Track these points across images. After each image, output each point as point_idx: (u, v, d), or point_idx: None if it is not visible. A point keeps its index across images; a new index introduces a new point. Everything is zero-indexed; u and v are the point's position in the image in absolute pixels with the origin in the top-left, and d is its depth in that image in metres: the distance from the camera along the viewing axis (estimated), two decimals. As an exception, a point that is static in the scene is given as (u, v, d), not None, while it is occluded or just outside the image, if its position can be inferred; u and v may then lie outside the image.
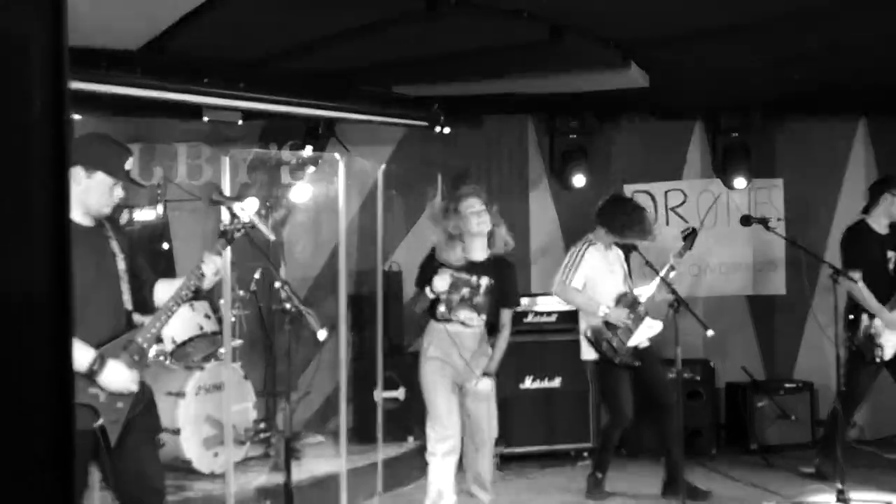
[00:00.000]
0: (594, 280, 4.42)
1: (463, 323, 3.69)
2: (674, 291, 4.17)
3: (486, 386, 3.59)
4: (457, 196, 3.91)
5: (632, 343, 4.42)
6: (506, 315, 3.74)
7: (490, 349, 3.81)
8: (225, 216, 2.97)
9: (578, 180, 6.29)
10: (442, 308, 3.68)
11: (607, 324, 4.38)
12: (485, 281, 3.74)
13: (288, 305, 3.05)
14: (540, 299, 5.66)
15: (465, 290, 3.69)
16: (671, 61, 4.57)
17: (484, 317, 3.74)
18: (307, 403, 5.88)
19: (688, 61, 4.60)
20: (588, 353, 4.48)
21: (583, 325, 4.49)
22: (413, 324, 6.22)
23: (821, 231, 6.27)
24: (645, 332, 4.51)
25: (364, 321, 5.69)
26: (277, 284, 3.04)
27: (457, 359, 3.66)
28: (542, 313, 5.68)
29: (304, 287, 5.90)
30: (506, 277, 3.81)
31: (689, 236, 4.72)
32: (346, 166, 5.08)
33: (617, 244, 4.57)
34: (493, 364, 3.67)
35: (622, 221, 4.45)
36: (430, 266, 3.77)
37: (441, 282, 3.66)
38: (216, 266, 2.68)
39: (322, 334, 2.93)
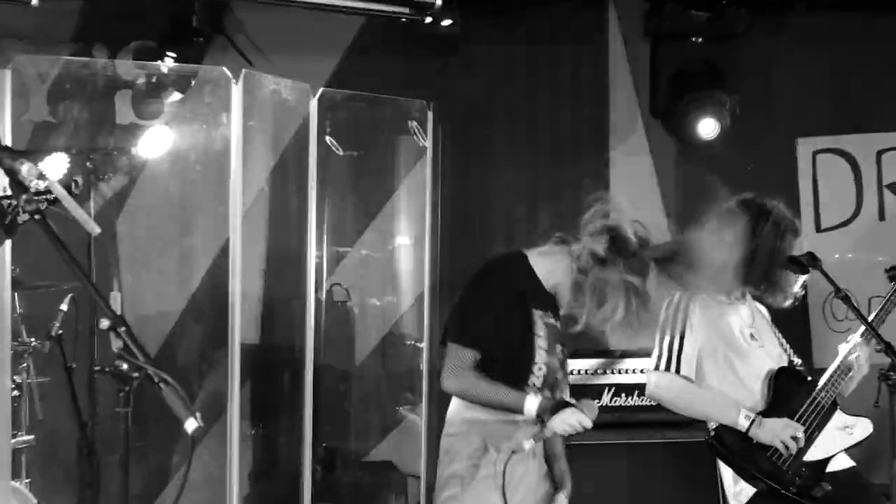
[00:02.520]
0: (718, 353, 4.44)
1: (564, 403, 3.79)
2: (890, 348, 4.21)
3: None
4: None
5: (810, 457, 4.41)
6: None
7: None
8: (3, 185, 2.93)
9: (706, 128, 6.41)
10: (537, 386, 3.76)
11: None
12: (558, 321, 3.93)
13: (125, 367, 2.96)
14: (623, 363, 5.87)
15: (560, 350, 3.84)
16: None
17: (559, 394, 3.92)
18: (162, 562, 5.93)
19: None
20: (730, 481, 4.44)
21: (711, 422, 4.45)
22: (379, 407, 6.38)
23: None
24: (838, 439, 4.48)
25: (277, 401, 5.82)
26: (105, 325, 2.96)
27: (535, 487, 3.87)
28: (629, 389, 5.81)
29: (159, 331, 6.02)
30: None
31: None
32: (245, 92, 5.12)
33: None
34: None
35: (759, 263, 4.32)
36: (518, 296, 3.77)
37: (542, 341, 3.75)
38: None
39: (192, 425, 2.83)
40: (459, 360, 3.62)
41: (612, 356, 5.94)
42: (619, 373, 5.90)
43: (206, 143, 5.69)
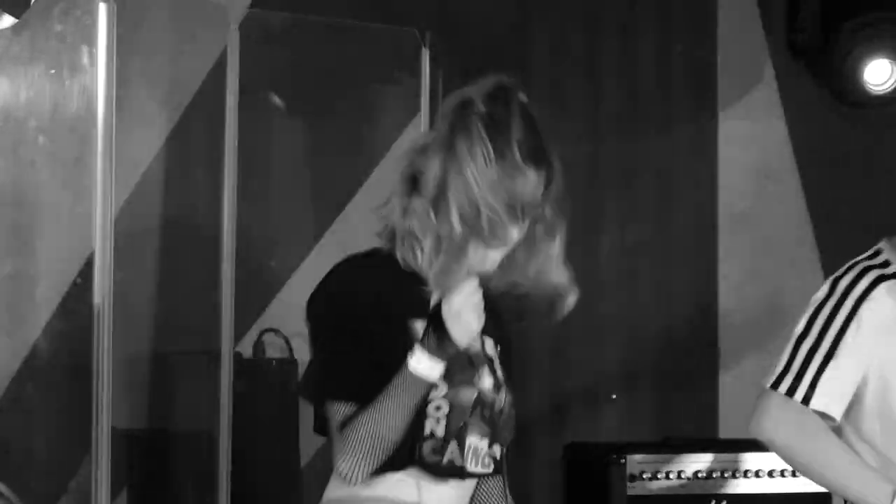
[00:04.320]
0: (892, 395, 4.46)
1: (464, 473, 3.94)
2: None
3: None
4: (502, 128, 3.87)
5: None
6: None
7: None
8: None
9: (878, 74, 6.51)
10: (436, 434, 3.85)
11: None
12: (488, 345, 4.03)
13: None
14: (741, 460, 5.97)
15: (488, 375, 3.98)
16: None
17: (501, 449, 4.03)
18: None
19: None
20: None
21: None
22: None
23: None
24: None
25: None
26: None
27: None
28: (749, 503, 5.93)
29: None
30: (505, 346, 4.10)
31: None
32: (121, 17, 5.14)
33: None
34: None
35: None
36: (385, 314, 3.86)
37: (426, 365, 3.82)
38: None
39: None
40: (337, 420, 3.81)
41: (724, 449, 5.96)
42: (735, 475, 5.98)
43: (57, 100, 5.60)
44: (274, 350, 6.07)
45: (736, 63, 6.67)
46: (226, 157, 5.56)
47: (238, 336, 5.73)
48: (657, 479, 5.83)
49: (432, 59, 6.08)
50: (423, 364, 3.72)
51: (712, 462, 5.89)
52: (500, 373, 3.97)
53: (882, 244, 4.43)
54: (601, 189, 6.48)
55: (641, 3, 6.60)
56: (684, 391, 6.53)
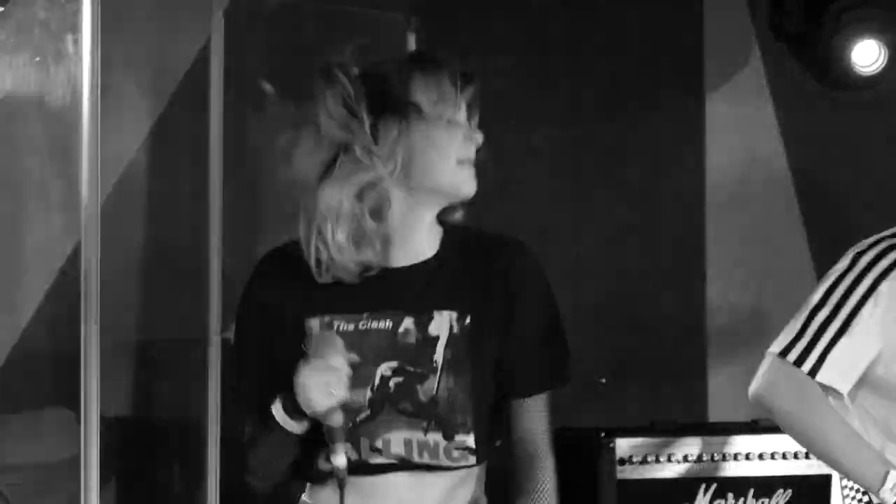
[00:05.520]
0: None
1: (391, 465, 3.69)
2: None
3: None
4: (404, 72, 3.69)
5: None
6: (533, 420, 3.81)
7: None
8: None
9: (865, 56, 6.51)
10: (336, 446, 3.65)
11: None
12: (440, 322, 3.73)
13: None
14: (730, 443, 5.95)
15: (386, 368, 3.68)
16: None
17: (466, 438, 3.72)
18: None
19: None
20: None
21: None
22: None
23: None
24: None
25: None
26: None
27: None
28: (739, 486, 5.93)
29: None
30: (516, 297, 3.74)
31: None
32: (105, 3, 5.15)
33: None
34: None
35: None
36: (279, 325, 3.71)
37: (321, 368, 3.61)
38: None
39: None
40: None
41: (713, 433, 5.95)
42: (725, 459, 5.98)
43: (41, 89, 5.61)
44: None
45: (722, 46, 6.69)
46: (212, 143, 5.57)
47: (226, 322, 5.72)
48: (647, 462, 5.84)
49: (418, 46, 6.08)
50: (280, 417, 3.52)
51: (702, 446, 5.87)
52: (441, 355, 3.67)
53: (887, 232, 4.42)
54: (587, 173, 6.50)
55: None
56: (672, 376, 6.56)
